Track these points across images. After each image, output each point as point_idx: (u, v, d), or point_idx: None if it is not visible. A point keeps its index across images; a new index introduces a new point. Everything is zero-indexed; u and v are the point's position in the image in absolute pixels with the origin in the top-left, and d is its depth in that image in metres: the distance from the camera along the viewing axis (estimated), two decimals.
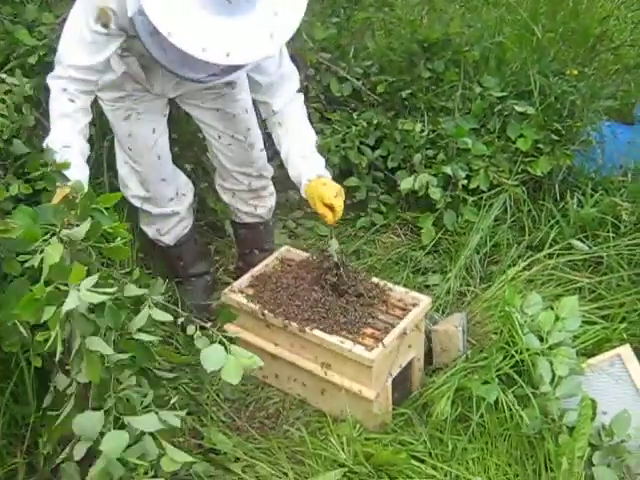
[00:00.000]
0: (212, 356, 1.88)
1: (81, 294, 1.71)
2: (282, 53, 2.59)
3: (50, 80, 2.38)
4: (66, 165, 2.17)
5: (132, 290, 1.94)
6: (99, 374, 1.77)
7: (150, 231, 3.03)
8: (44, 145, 2.29)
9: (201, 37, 2.08)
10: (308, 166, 2.62)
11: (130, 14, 2.22)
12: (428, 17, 3.98)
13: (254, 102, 2.81)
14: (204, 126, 2.92)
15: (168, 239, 3.04)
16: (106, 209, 2.00)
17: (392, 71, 3.62)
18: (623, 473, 2.19)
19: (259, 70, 2.58)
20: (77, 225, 1.89)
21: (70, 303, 1.69)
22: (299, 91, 2.72)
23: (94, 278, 1.75)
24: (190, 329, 2.05)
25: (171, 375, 2.14)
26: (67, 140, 2.30)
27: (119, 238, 1.99)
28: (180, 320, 2.10)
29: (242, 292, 2.74)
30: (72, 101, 2.35)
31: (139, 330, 1.87)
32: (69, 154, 2.25)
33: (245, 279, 2.80)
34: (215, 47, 2.09)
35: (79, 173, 2.23)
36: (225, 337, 1.94)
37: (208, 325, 2.04)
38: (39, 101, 2.79)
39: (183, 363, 2.28)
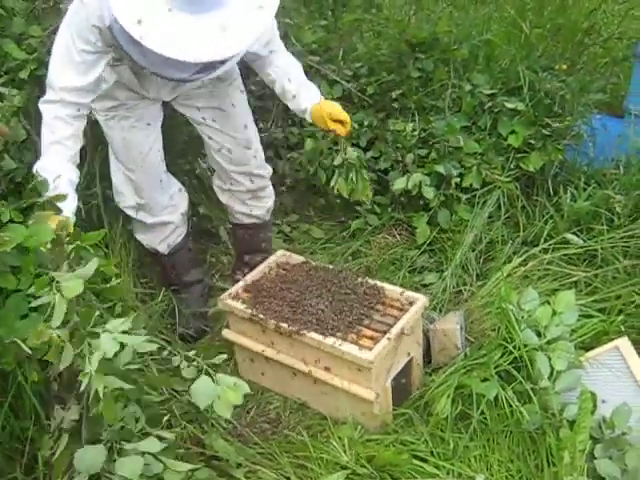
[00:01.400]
0: (202, 391, 1.91)
1: (116, 336, 1.73)
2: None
3: (42, 105, 2.39)
4: (61, 198, 2.15)
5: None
6: (114, 413, 1.78)
7: (145, 240, 3.02)
8: (34, 170, 2.28)
9: (173, 37, 2.10)
10: (310, 92, 2.76)
11: (107, 23, 2.24)
12: (416, 17, 3.97)
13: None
14: (201, 127, 2.93)
15: (162, 248, 3.04)
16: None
17: (381, 72, 3.62)
18: (625, 465, 2.19)
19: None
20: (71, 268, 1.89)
21: (110, 349, 1.72)
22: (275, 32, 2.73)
23: (125, 321, 1.77)
24: (175, 360, 2.07)
25: (161, 398, 2.16)
26: (57, 169, 2.29)
27: (113, 278, 1.99)
28: (165, 352, 2.12)
29: (239, 298, 2.74)
30: (64, 128, 2.36)
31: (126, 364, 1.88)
32: (59, 184, 2.24)
33: (241, 284, 2.80)
34: (189, 46, 2.11)
35: (67, 204, 2.20)
36: (210, 365, 1.96)
37: (191, 354, 2.11)
38: (28, 112, 2.79)
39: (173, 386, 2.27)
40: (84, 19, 2.28)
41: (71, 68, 2.35)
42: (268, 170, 3.10)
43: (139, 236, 3.03)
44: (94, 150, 3.08)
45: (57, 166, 2.31)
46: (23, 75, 2.91)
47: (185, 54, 2.11)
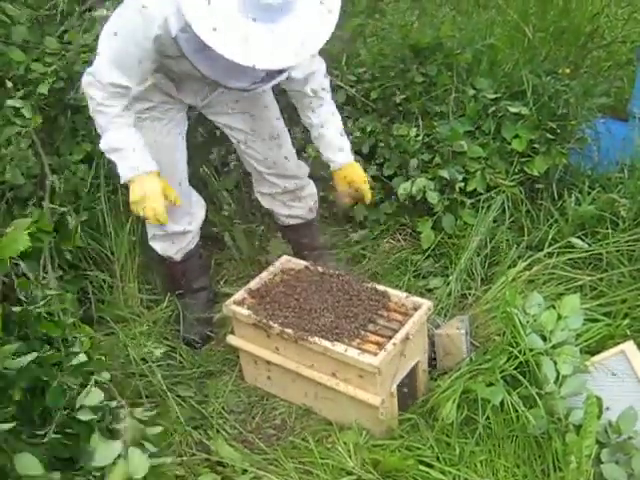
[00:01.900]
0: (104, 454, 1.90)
1: None
2: None
3: (89, 89, 2.50)
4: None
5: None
6: None
7: (161, 249, 3.03)
8: (102, 148, 2.54)
9: (247, 45, 2.14)
10: (339, 153, 2.82)
11: (174, 34, 2.29)
12: (419, 22, 3.98)
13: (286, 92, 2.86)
14: (232, 132, 2.96)
15: (178, 256, 3.05)
16: None
17: (385, 77, 3.62)
18: (631, 469, 2.18)
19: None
20: None
21: None
22: (325, 76, 2.78)
23: None
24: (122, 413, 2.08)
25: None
26: (124, 138, 2.52)
27: None
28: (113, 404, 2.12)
29: (243, 303, 2.74)
30: (114, 106, 2.49)
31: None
32: (131, 145, 2.50)
33: (246, 290, 2.80)
34: (261, 53, 2.16)
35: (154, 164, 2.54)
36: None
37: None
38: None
39: None
40: (142, 29, 2.35)
41: (121, 71, 2.44)
42: (304, 170, 3.13)
43: (155, 244, 3.02)
44: (99, 157, 3.09)
45: (123, 135, 2.52)
46: (43, 90, 2.92)
47: (258, 61, 2.16)
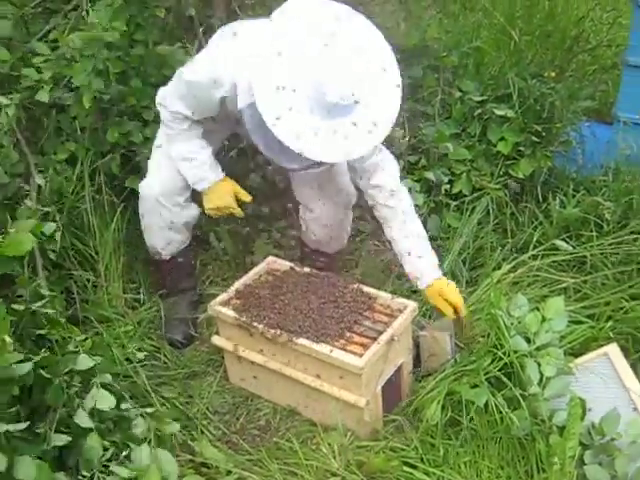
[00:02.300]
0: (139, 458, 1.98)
1: None
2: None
3: (159, 106, 2.75)
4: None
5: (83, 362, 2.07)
6: None
7: (153, 242, 3.02)
8: (172, 155, 2.75)
9: (307, 137, 2.24)
10: (427, 266, 2.72)
11: (240, 107, 2.42)
12: (405, 24, 3.99)
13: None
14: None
15: (165, 253, 3.04)
16: None
17: None
18: (614, 471, 2.19)
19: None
20: None
21: None
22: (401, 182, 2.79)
23: None
24: (133, 413, 2.12)
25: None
26: (192, 149, 2.74)
27: None
28: (124, 405, 2.14)
29: (228, 304, 2.73)
30: (180, 126, 2.71)
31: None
32: (201, 157, 2.74)
33: (231, 291, 2.79)
34: (313, 144, 2.24)
35: (218, 169, 2.78)
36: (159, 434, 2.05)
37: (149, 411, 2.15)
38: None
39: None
40: (209, 88, 2.52)
41: (185, 104, 2.65)
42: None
43: (147, 237, 3.03)
44: (83, 156, 3.08)
45: (193, 147, 2.74)
46: (42, 97, 2.91)
47: (309, 151, 2.24)
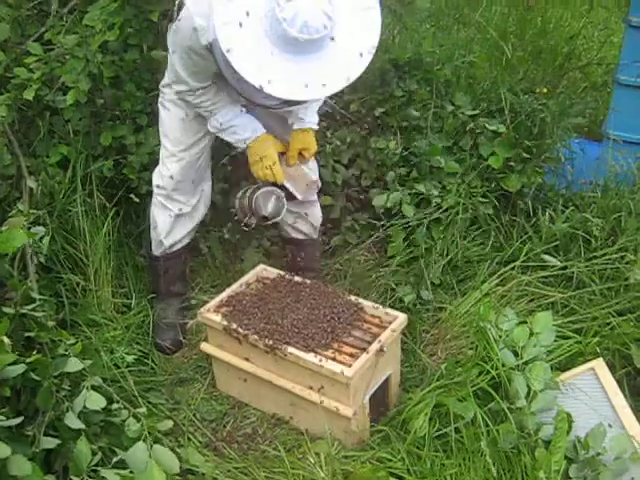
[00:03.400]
0: (136, 457, 1.96)
1: None
2: None
3: (184, 96, 2.79)
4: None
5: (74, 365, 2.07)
6: None
7: (158, 225, 3.04)
8: (210, 130, 2.82)
9: (267, 71, 2.20)
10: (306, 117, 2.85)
11: (211, 39, 2.41)
12: (400, 37, 4.02)
13: None
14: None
15: (166, 243, 3.06)
16: None
17: (365, 90, 3.64)
18: None
19: None
20: None
21: None
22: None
23: None
24: (124, 414, 2.11)
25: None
26: (228, 117, 2.77)
27: None
28: (115, 406, 2.15)
29: (217, 311, 2.73)
30: (207, 99, 2.74)
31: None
32: (235, 122, 2.78)
33: (220, 298, 2.80)
34: (278, 82, 2.21)
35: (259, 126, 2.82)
36: (153, 432, 2.04)
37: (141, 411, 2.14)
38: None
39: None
40: (196, 40, 2.47)
41: (191, 74, 2.67)
42: (315, 197, 3.18)
43: (154, 230, 3.06)
44: (75, 159, 3.08)
45: (228, 115, 2.77)
46: (28, 96, 2.91)
47: (275, 90, 2.22)
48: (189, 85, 2.70)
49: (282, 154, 2.87)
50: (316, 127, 2.91)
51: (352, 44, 2.27)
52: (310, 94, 2.30)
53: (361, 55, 2.28)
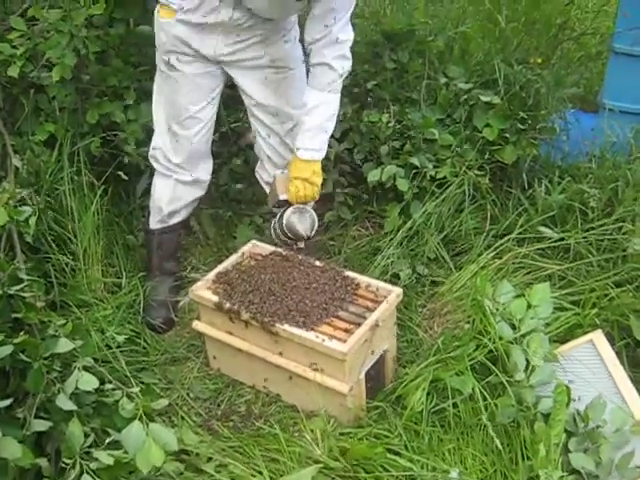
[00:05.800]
0: (132, 438, 1.91)
1: None
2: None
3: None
4: None
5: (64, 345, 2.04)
6: None
7: (159, 195, 3.03)
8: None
9: None
10: (301, 137, 2.78)
11: None
12: (391, 8, 3.96)
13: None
14: (246, 97, 2.97)
15: (166, 210, 3.04)
16: None
17: (356, 63, 3.58)
18: (599, 458, 2.18)
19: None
20: None
21: None
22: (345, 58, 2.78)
23: None
24: (117, 394, 2.08)
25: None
26: None
27: None
28: (108, 386, 2.12)
29: (210, 289, 2.69)
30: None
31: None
32: None
33: (212, 275, 2.75)
34: None
35: None
36: (148, 412, 1.98)
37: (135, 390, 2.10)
38: None
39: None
40: None
41: None
42: None
43: (155, 197, 3.05)
44: (63, 137, 3.02)
45: None
46: (12, 72, 2.85)
47: None
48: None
49: None
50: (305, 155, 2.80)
51: None
52: None
53: None
